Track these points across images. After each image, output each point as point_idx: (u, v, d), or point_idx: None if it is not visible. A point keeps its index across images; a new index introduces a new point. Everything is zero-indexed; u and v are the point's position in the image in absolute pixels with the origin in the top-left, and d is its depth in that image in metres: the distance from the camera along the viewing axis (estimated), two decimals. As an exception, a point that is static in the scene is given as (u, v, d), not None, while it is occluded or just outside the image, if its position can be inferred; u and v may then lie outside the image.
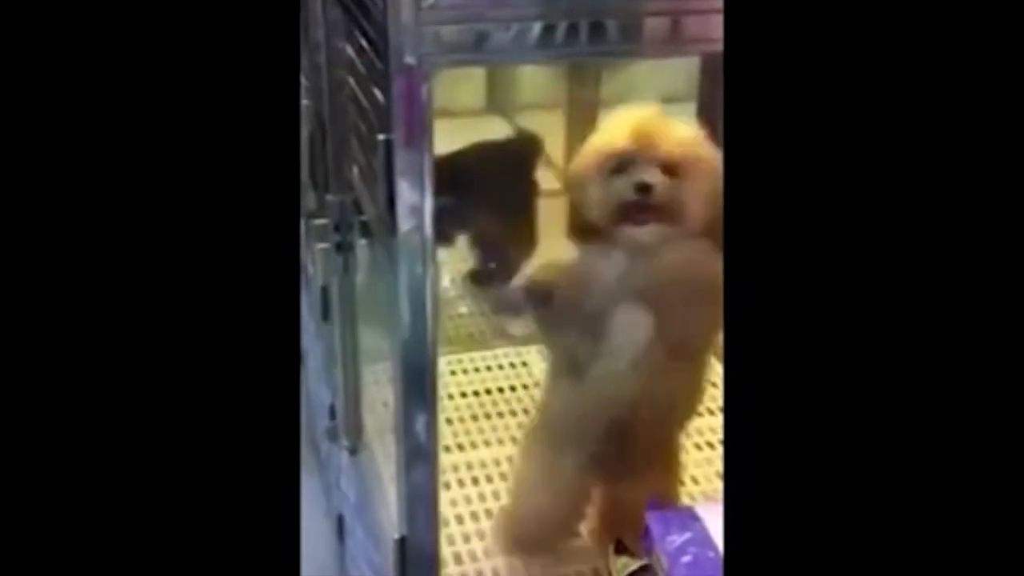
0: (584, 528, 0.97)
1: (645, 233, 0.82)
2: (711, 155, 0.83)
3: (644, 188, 0.80)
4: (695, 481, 1.09)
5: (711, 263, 0.80)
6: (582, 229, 0.86)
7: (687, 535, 0.75)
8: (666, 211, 0.81)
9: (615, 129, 0.83)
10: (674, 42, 0.70)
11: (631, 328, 0.82)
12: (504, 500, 1.02)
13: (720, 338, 0.89)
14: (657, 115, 0.84)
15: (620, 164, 0.81)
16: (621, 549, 0.90)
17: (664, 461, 0.92)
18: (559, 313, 0.86)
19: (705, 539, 0.74)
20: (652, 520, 0.77)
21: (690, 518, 0.76)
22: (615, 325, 0.82)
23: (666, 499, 0.90)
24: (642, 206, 0.80)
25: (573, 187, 0.86)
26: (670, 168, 0.81)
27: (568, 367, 0.88)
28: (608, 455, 0.88)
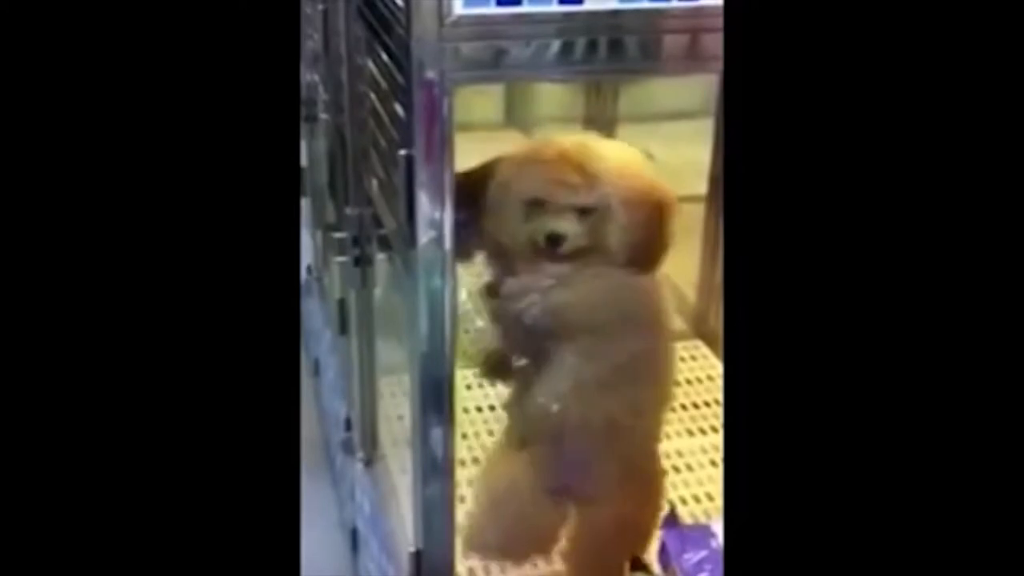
0: (557, 552, 0.94)
1: (559, 272, 0.80)
2: (635, 184, 0.80)
3: (555, 239, 0.79)
4: (710, 498, 1.08)
5: (631, 292, 0.81)
6: (504, 252, 0.83)
7: (703, 552, 0.74)
8: (581, 252, 0.80)
9: (532, 167, 0.80)
10: (692, 59, 0.70)
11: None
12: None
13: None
14: (579, 147, 0.81)
15: (534, 206, 0.79)
16: (637, 565, 0.90)
17: (633, 484, 0.89)
18: (503, 334, 0.85)
19: (721, 557, 0.74)
20: (669, 537, 0.77)
21: (707, 535, 0.76)
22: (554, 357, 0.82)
23: (640, 523, 0.89)
24: (555, 252, 0.79)
25: (490, 215, 0.82)
26: (586, 210, 0.79)
27: (521, 384, 0.87)
28: (570, 473, 0.86)
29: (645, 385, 0.86)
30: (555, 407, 0.82)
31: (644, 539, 0.91)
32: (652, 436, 0.91)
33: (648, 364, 0.86)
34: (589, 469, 0.86)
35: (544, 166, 0.79)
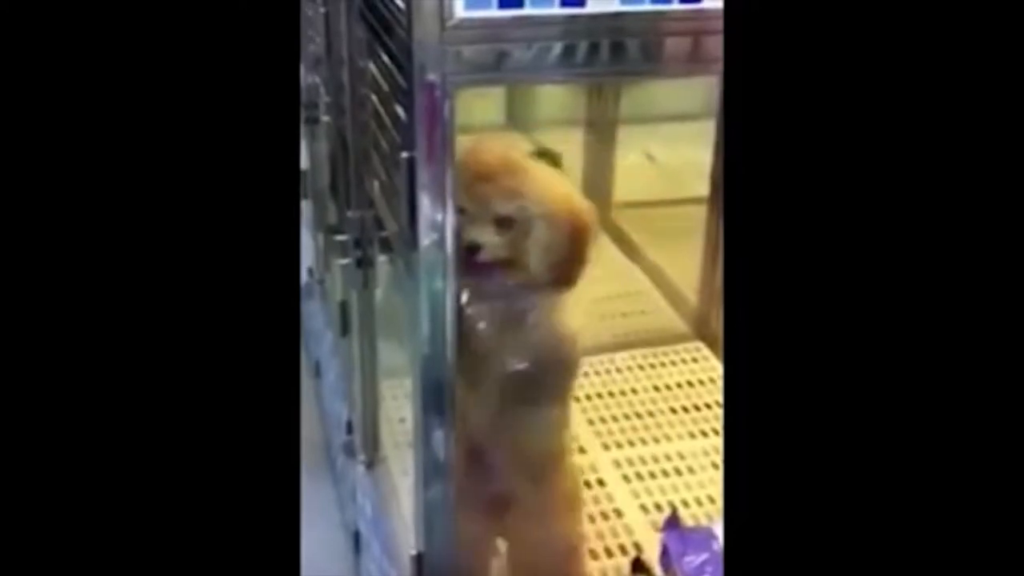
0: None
1: (482, 285, 0.80)
2: (557, 200, 0.80)
3: (472, 248, 0.78)
4: (712, 500, 1.08)
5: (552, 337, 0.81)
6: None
7: (705, 555, 0.74)
8: (503, 264, 0.79)
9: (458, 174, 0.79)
10: (693, 61, 0.70)
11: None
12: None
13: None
14: (501, 159, 0.80)
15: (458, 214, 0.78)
16: (638, 567, 0.90)
17: (543, 497, 0.88)
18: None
19: (723, 559, 0.74)
20: (670, 539, 0.77)
21: (708, 538, 0.76)
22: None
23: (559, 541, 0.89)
24: (475, 262, 0.78)
25: None
26: (505, 222, 0.78)
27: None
28: (485, 489, 0.86)
29: (547, 405, 0.86)
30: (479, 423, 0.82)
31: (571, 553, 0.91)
32: (563, 450, 0.90)
33: (551, 386, 0.85)
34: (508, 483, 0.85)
35: (465, 174, 0.78)
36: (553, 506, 0.88)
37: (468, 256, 0.78)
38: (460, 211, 0.77)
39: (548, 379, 0.84)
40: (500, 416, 0.83)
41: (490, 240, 0.78)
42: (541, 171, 0.82)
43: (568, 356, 0.85)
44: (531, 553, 0.89)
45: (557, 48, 0.66)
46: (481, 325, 0.81)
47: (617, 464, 1.14)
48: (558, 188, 0.82)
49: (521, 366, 0.82)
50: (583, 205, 0.82)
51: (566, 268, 0.81)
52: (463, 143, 0.74)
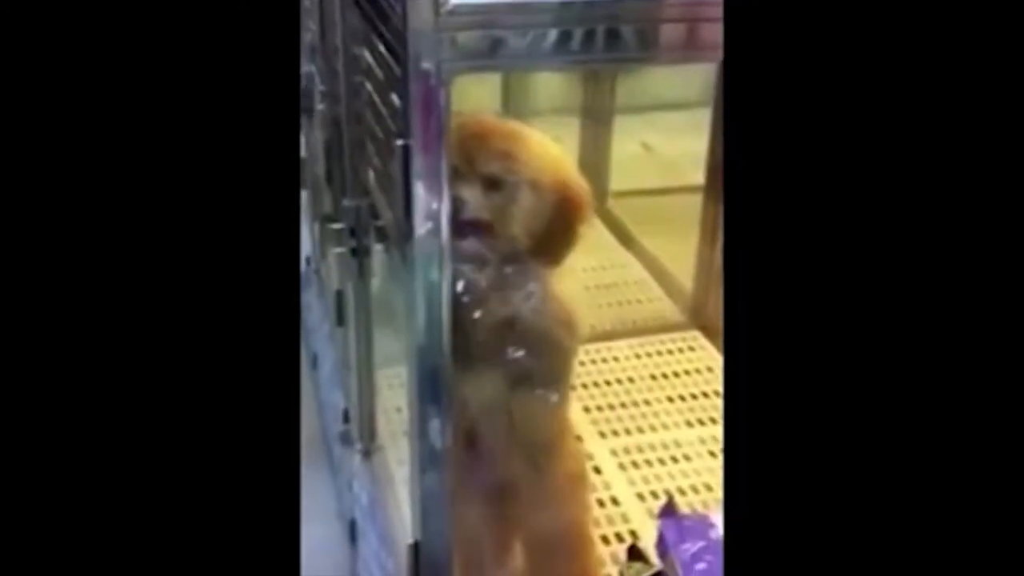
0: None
1: (464, 246, 0.79)
2: (548, 170, 0.79)
3: (454, 205, 0.76)
4: (708, 488, 1.08)
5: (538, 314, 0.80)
6: None
7: (701, 543, 0.75)
8: (486, 226, 0.79)
9: (455, 136, 0.77)
10: (690, 49, 0.69)
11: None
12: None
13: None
14: (502, 125, 0.80)
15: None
16: (635, 555, 0.90)
17: (549, 487, 0.89)
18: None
19: (720, 547, 0.74)
20: (666, 527, 0.77)
21: (705, 526, 0.76)
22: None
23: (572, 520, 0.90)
24: (458, 220, 0.77)
25: None
26: (492, 183, 0.78)
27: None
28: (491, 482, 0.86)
29: (541, 389, 0.85)
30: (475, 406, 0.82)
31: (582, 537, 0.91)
32: (563, 435, 0.90)
33: (544, 370, 0.85)
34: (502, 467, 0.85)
35: (462, 136, 0.78)
36: (557, 491, 0.88)
37: (451, 214, 0.77)
38: (452, 170, 0.76)
39: (542, 362, 0.83)
40: (495, 400, 0.82)
41: (473, 198, 0.77)
42: (540, 142, 0.81)
43: (562, 340, 0.84)
44: (541, 539, 0.89)
45: (553, 34, 0.66)
46: (465, 298, 0.80)
47: (614, 452, 1.14)
48: (553, 159, 0.81)
49: (512, 347, 0.81)
50: (576, 180, 0.81)
51: (551, 241, 0.80)
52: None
